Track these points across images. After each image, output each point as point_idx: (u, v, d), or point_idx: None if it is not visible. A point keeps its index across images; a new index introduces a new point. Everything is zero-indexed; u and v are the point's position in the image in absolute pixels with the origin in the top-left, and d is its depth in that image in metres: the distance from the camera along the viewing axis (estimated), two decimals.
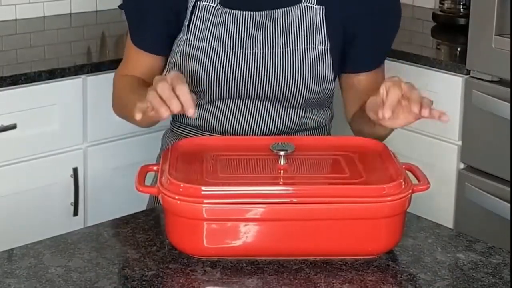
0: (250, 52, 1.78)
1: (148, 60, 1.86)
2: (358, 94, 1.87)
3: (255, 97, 1.79)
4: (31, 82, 2.44)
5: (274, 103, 1.80)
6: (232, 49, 1.78)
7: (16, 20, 3.03)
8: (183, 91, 1.47)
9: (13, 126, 2.42)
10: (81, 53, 2.76)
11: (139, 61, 1.86)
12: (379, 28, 1.84)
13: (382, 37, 1.87)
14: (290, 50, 1.78)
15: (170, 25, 1.82)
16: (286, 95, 1.79)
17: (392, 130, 1.74)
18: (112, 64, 2.56)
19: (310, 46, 1.79)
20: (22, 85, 2.43)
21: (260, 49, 1.78)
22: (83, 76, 2.55)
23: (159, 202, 1.58)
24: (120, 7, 1.96)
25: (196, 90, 1.80)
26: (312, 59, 1.79)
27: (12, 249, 1.42)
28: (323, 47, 1.79)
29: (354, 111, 1.87)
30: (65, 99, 2.52)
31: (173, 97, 1.46)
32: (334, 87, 1.85)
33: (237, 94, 1.79)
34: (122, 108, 1.85)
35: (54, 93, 2.49)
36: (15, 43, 2.84)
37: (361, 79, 1.87)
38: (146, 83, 1.81)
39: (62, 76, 2.50)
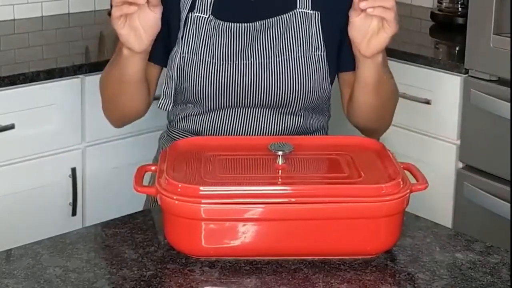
0: (245, 63, 1.76)
1: (147, 70, 1.83)
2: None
3: (253, 105, 1.79)
4: (29, 82, 2.44)
5: (272, 110, 1.80)
6: (227, 60, 1.76)
7: (14, 20, 3.03)
8: None
9: (11, 126, 2.42)
10: (79, 53, 2.76)
11: None
12: None
13: None
14: (286, 58, 1.77)
15: (162, 34, 1.79)
16: (284, 103, 1.78)
17: (373, 70, 1.76)
18: None
19: (306, 52, 1.78)
20: (20, 85, 2.43)
21: (255, 59, 1.76)
22: (81, 76, 2.55)
23: (156, 203, 1.58)
24: (109, 14, 1.97)
25: (193, 101, 1.79)
26: (309, 66, 1.78)
27: (10, 250, 1.42)
28: (319, 53, 1.78)
29: None
30: (63, 99, 2.52)
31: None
32: (331, 91, 1.84)
33: (235, 103, 1.78)
34: (111, 88, 1.83)
35: (52, 93, 2.49)
36: (13, 43, 2.84)
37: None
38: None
39: (60, 76, 2.50)
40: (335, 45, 1.81)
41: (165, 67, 1.85)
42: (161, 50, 1.81)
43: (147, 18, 1.68)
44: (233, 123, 1.80)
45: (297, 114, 1.81)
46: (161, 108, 1.84)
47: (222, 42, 1.77)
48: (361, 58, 1.72)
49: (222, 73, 1.76)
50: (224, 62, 1.76)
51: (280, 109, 1.80)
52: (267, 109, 1.79)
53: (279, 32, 1.78)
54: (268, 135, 1.80)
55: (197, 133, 1.83)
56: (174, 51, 1.79)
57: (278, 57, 1.77)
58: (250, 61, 1.76)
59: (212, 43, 1.77)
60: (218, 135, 1.81)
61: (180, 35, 1.78)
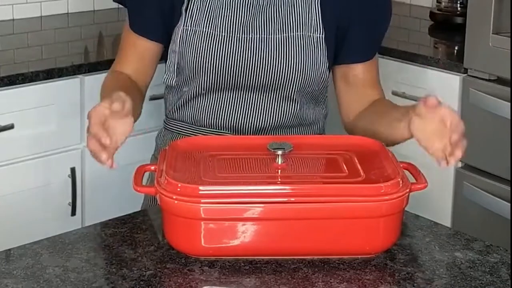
0: (244, 37, 1.78)
1: (145, 46, 1.85)
2: (354, 89, 1.87)
3: (250, 87, 1.79)
4: (28, 82, 2.44)
5: (269, 94, 1.80)
6: (227, 34, 1.78)
7: (13, 20, 3.03)
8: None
9: (11, 126, 2.42)
10: (78, 53, 2.76)
11: (136, 47, 1.85)
12: (372, 19, 1.85)
13: (375, 27, 1.87)
14: (285, 36, 1.79)
15: (166, 11, 1.82)
16: (281, 83, 1.79)
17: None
18: (109, 64, 2.54)
19: (305, 33, 1.80)
20: (20, 85, 2.43)
21: (255, 35, 1.79)
22: (80, 76, 2.55)
23: (155, 202, 1.58)
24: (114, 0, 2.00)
25: (191, 79, 1.81)
26: (307, 47, 1.80)
27: (10, 249, 1.42)
28: (318, 35, 1.80)
29: (356, 109, 1.86)
30: (62, 99, 2.51)
31: (102, 150, 1.45)
32: (328, 77, 1.85)
33: (232, 83, 1.79)
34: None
35: (51, 93, 2.49)
36: (12, 43, 2.84)
37: (357, 72, 1.87)
38: (128, 84, 1.80)
39: (60, 76, 2.50)
40: (334, 30, 1.82)
41: (162, 43, 1.86)
42: (159, 26, 1.83)
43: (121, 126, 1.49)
44: (230, 108, 1.81)
45: (293, 99, 1.82)
46: (164, 83, 1.87)
47: (224, 15, 1.79)
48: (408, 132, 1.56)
49: (222, 45, 1.78)
50: (224, 35, 1.78)
51: (277, 93, 1.80)
52: (264, 93, 1.80)
53: (280, 10, 1.80)
54: (264, 122, 1.81)
55: (193, 122, 1.84)
56: (178, 25, 1.80)
57: (277, 34, 1.79)
58: (250, 36, 1.78)
59: (214, 16, 1.79)
60: (215, 122, 1.81)
61: (183, 8, 1.79)
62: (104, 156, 1.44)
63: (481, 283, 1.35)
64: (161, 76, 1.88)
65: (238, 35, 1.78)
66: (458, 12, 3.07)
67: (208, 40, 1.78)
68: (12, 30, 2.94)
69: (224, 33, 1.78)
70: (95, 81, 2.56)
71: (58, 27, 3.02)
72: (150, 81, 1.90)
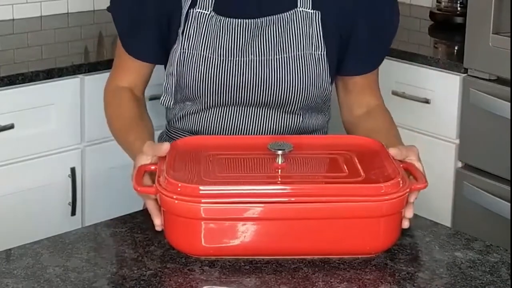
0: (245, 60, 1.76)
1: (141, 65, 1.85)
2: (354, 96, 1.88)
3: (252, 104, 1.79)
4: (28, 82, 2.44)
5: (271, 109, 1.79)
6: (227, 57, 1.76)
7: (13, 20, 3.03)
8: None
9: (11, 126, 2.42)
10: (78, 52, 2.76)
11: (131, 65, 1.85)
12: (376, 34, 1.84)
13: (378, 42, 1.86)
14: (286, 56, 1.77)
15: (162, 32, 1.81)
16: (283, 101, 1.78)
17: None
18: (109, 64, 2.54)
19: (307, 51, 1.77)
20: (20, 85, 2.43)
21: (255, 56, 1.76)
22: (80, 76, 2.55)
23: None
24: (108, 10, 2.01)
25: (192, 98, 1.80)
26: (309, 65, 1.77)
27: (10, 249, 1.42)
28: (319, 53, 1.78)
29: (355, 111, 1.87)
30: (62, 99, 2.52)
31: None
32: (331, 91, 1.84)
33: (234, 101, 1.78)
34: (119, 143, 1.86)
35: (51, 93, 2.49)
36: (12, 43, 2.84)
37: (357, 81, 1.87)
38: (137, 113, 1.82)
39: (60, 76, 2.50)
40: (335, 45, 1.80)
41: (159, 64, 1.86)
42: (157, 50, 1.82)
43: None
44: (231, 121, 1.80)
45: (296, 113, 1.81)
46: (162, 105, 1.86)
47: (223, 38, 1.77)
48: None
49: (222, 69, 1.76)
50: (224, 58, 1.76)
51: (279, 108, 1.79)
52: (266, 108, 1.79)
53: (279, 30, 1.78)
54: (265, 134, 1.80)
55: (195, 133, 1.83)
56: (175, 47, 1.79)
57: (278, 55, 1.77)
58: (250, 58, 1.76)
59: (212, 38, 1.77)
60: (216, 134, 1.81)
61: (180, 31, 1.78)
62: (158, 228, 1.47)
63: (481, 282, 1.35)
64: (161, 75, 1.88)
65: (238, 58, 1.76)
66: (458, 12, 3.07)
67: (208, 63, 1.75)
68: (12, 30, 2.95)
69: (224, 56, 1.76)
70: (95, 81, 2.56)
71: (58, 27, 3.02)
72: (147, 85, 1.90)
